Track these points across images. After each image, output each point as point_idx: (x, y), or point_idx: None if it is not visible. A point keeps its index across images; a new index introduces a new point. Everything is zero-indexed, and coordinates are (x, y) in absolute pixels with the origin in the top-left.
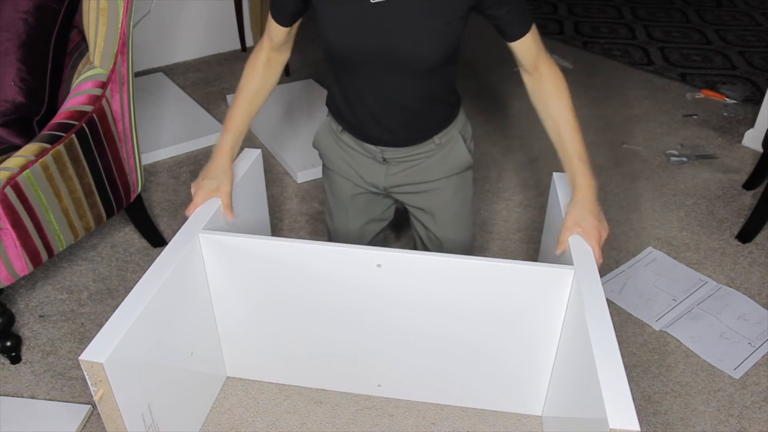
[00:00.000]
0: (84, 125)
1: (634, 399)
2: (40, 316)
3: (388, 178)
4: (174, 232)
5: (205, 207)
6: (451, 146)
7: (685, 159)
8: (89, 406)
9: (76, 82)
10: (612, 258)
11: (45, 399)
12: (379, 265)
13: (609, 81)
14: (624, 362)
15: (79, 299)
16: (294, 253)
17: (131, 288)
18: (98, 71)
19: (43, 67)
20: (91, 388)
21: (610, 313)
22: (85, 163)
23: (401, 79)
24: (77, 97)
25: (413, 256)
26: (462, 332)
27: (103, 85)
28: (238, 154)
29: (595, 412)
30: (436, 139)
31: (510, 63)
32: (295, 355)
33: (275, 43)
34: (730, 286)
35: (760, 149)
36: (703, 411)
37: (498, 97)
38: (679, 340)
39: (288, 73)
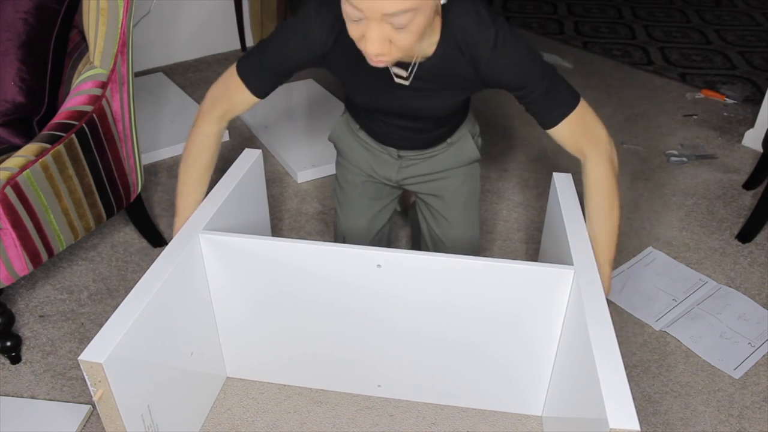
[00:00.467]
0: (84, 125)
1: (634, 399)
2: (40, 316)
3: (400, 171)
4: None
5: (205, 207)
6: (462, 143)
7: (685, 159)
8: (89, 406)
9: (76, 82)
10: None
11: (45, 399)
12: (379, 266)
13: (609, 81)
14: (624, 362)
15: (79, 299)
16: (294, 253)
17: (131, 288)
18: (98, 71)
19: (43, 67)
20: (91, 389)
21: (610, 313)
22: (85, 163)
23: (419, 119)
24: (77, 97)
25: (413, 256)
26: (462, 332)
27: (103, 85)
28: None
29: (595, 412)
30: (448, 139)
31: None
32: (295, 355)
33: (234, 112)
34: (730, 286)
35: (760, 149)
36: (703, 411)
37: (498, 97)
38: (679, 340)
39: None
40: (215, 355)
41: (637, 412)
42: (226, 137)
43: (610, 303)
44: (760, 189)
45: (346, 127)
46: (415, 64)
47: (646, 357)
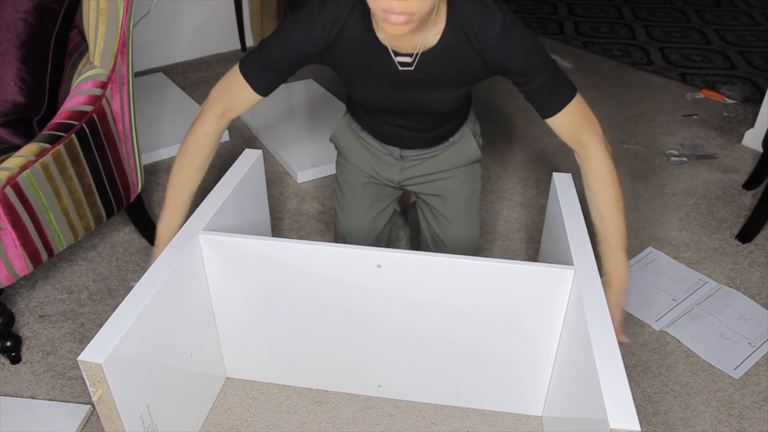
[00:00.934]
0: (84, 125)
1: (634, 399)
2: (40, 316)
3: (403, 172)
4: None
5: (205, 207)
6: (463, 142)
7: (685, 159)
8: (89, 406)
9: (76, 82)
10: None
11: (45, 399)
12: (379, 266)
13: (609, 81)
14: (624, 362)
15: (79, 299)
16: (294, 254)
17: (131, 288)
18: (98, 71)
19: (43, 67)
20: (90, 389)
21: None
22: (85, 163)
23: (422, 116)
24: (77, 97)
25: (413, 256)
26: (462, 332)
27: (103, 85)
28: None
29: (595, 412)
30: (450, 138)
31: None
32: (295, 355)
33: (235, 111)
34: (730, 286)
35: (760, 149)
36: (703, 411)
37: (498, 96)
38: (679, 340)
39: None
40: (215, 356)
41: (637, 412)
42: (226, 137)
43: None
44: (760, 189)
45: (348, 128)
46: (418, 53)
47: (646, 357)
